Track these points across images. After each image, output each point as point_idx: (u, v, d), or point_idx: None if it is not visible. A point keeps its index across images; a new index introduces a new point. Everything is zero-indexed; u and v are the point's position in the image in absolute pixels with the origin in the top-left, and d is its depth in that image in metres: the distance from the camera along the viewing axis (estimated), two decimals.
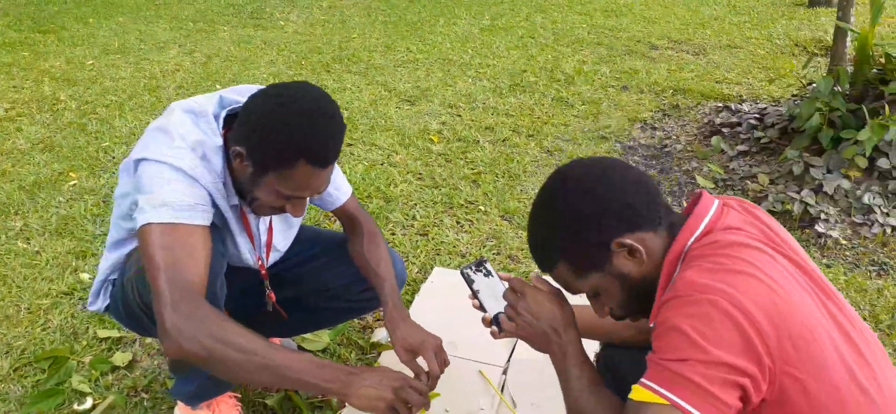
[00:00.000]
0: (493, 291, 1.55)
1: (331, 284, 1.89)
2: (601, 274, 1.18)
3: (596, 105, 4.25)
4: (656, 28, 6.20)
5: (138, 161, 1.46)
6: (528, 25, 6.39)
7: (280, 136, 1.40)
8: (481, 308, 1.56)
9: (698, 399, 1.00)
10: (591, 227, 1.15)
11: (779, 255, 1.14)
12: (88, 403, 1.97)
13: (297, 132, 1.40)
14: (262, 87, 1.54)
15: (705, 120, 3.94)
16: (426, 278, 2.50)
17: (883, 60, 3.11)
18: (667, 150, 3.63)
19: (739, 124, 3.65)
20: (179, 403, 1.84)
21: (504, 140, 3.76)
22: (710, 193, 1.26)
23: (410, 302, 2.37)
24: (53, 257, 2.69)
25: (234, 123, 1.51)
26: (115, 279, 1.75)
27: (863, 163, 2.87)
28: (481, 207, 3.04)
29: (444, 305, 2.31)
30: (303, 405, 1.94)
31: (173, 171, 1.42)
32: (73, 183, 3.31)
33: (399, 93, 4.54)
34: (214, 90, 1.60)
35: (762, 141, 3.39)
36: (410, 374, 1.61)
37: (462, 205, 3.06)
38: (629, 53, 5.39)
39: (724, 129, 3.66)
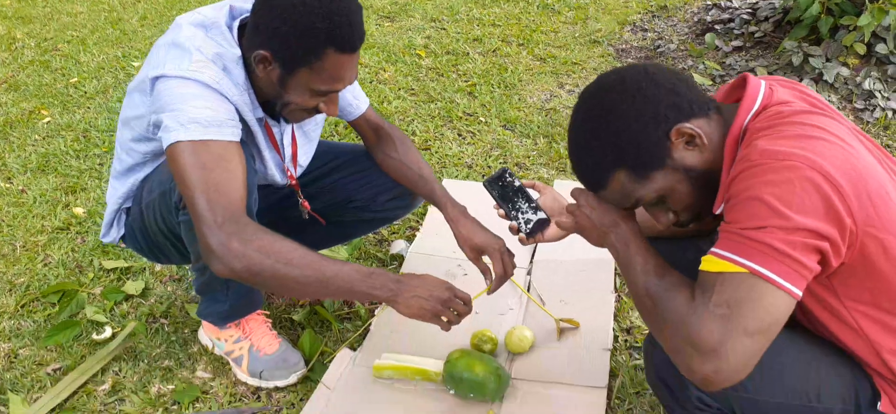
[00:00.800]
0: (519, 199, 1.52)
1: (356, 196, 1.84)
2: (664, 172, 1.12)
3: (583, 10, 4.17)
4: None
5: (156, 79, 1.38)
6: None
7: (303, 28, 1.33)
8: (507, 216, 1.53)
9: (779, 265, 0.97)
10: (647, 123, 1.09)
11: (838, 119, 1.11)
12: (107, 332, 1.91)
13: (320, 20, 1.33)
14: None
15: (696, 19, 3.90)
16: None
17: None
18: (660, 50, 3.59)
19: (731, 20, 3.61)
20: (205, 323, 1.80)
21: (494, 51, 3.67)
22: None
23: (424, 214, 2.33)
24: (40, 194, 2.57)
25: (247, 30, 1.43)
26: (129, 207, 1.68)
27: (861, 50, 2.86)
28: (481, 119, 2.98)
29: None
30: (331, 318, 1.91)
31: (197, 86, 1.35)
32: (46, 120, 3.16)
33: (376, 9, 4.39)
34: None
35: (756, 35, 3.36)
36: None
37: (461, 117, 3.00)
38: None
39: (717, 27, 3.62)
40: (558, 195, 1.57)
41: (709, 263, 1.03)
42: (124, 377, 1.78)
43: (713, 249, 1.04)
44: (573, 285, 1.99)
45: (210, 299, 1.70)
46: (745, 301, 0.97)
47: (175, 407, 1.69)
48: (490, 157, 2.70)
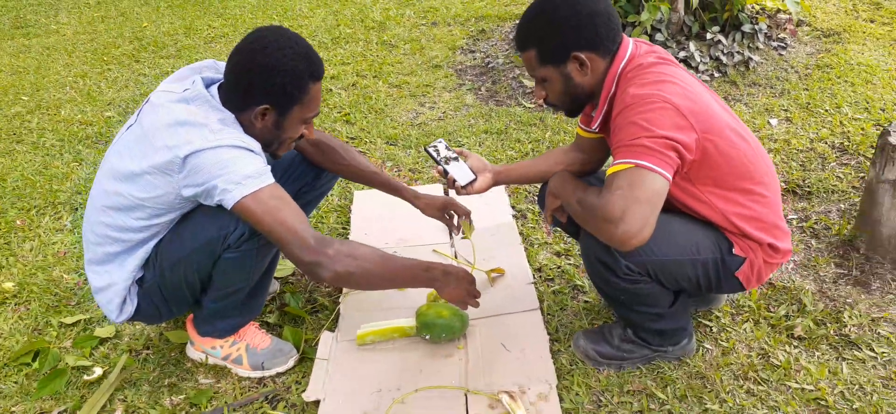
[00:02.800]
0: (453, 160, 2.01)
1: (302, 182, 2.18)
2: (555, 70, 1.69)
3: (417, 42, 4.75)
4: None
5: (187, 156, 1.58)
6: None
7: (294, 74, 1.66)
8: (445, 174, 2.00)
9: (651, 157, 1.52)
10: (564, 34, 1.64)
11: (677, 66, 1.72)
12: (98, 371, 2.07)
13: (302, 62, 1.67)
14: (212, 63, 1.79)
15: (511, 36, 4.64)
16: (351, 204, 2.84)
17: None
18: (491, 66, 4.25)
19: None
20: (199, 339, 2.04)
21: (353, 84, 4.12)
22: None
23: (348, 224, 2.71)
24: None
25: (233, 96, 1.67)
26: (140, 278, 1.86)
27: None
28: (366, 140, 3.41)
29: (379, 215, 2.70)
30: (303, 313, 2.24)
31: (232, 150, 1.60)
32: None
33: None
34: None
35: None
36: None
37: (348, 141, 3.41)
38: None
39: None
40: (481, 158, 2.07)
41: (610, 170, 1.58)
42: (133, 402, 1.98)
43: (612, 163, 1.59)
44: (489, 245, 2.49)
45: (220, 319, 1.96)
46: (635, 182, 1.50)
47: (194, 409, 1.93)
48: (385, 168, 3.14)
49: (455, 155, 2.03)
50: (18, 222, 2.94)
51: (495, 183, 2.06)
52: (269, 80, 1.65)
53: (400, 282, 1.77)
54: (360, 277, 1.66)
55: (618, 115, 1.62)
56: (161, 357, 2.13)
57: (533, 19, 1.68)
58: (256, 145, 1.67)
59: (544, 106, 1.88)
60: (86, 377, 2.06)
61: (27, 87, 4.61)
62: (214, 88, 1.72)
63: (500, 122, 3.48)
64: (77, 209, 3.01)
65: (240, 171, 1.59)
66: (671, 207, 1.68)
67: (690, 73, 1.75)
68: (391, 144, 3.36)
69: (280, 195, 1.63)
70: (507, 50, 4.46)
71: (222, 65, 1.79)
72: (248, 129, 1.71)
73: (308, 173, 2.17)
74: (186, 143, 1.59)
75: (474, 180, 2.00)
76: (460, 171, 2.00)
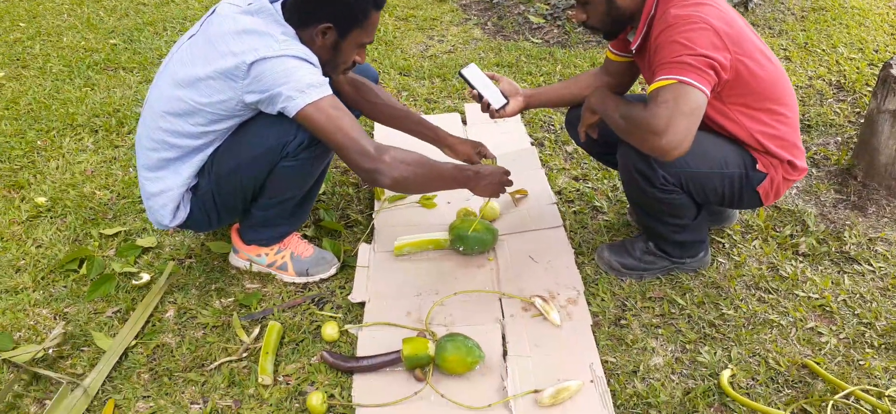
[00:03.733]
0: (487, 84, 2.10)
1: None
2: None
3: None
4: None
5: (252, 63, 1.66)
6: None
7: (358, 1, 1.75)
8: (479, 98, 2.10)
9: (693, 74, 1.64)
10: None
11: None
12: (145, 277, 2.17)
13: None
14: None
15: None
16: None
17: None
18: (495, 1, 4.31)
19: None
20: (244, 247, 2.14)
21: None
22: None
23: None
24: None
25: (298, 12, 1.75)
26: (195, 185, 1.94)
27: None
28: (379, 71, 3.48)
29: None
30: (340, 227, 2.35)
31: (296, 60, 1.68)
32: None
33: None
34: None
35: None
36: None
37: None
38: None
39: None
40: (512, 82, 2.17)
41: (653, 85, 1.69)
42: (183, 304, 2.08)
43: (655, 79, 1.70)
44: (512, 170, 2.57)
45: (267, 228, 2.06)
46: (679, 96, 1.63)
47: (243, 310, 2.05)
48: (401, 98, 3.22)
49: (488, 79, 2.13)
50: (40, 143, 2.98)
51: (527, 106, 2.17)
52: (329, 4, 1.73)
53: (444, 183, 1.89)
54: (412, 181, 1.77)
55: (660, 34, 1.72)
56: (205, 265, 2.23)
57: None
58: (315, 59, 1.75)
59: (581, 28, 1.98)
60: (134, 282, 2.16)
61: (23, 13, 4.56)
62: (278, 4, 1.79)
63: (510, 55, 3.57)
64: (97, 131, 3.06)
65: (303, 79, 1.68)
66: (702, 124, 1.81)
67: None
68: (405, 75, 3.43)
69: (339, 105, 1.72)
70: None
71: None
72: (307, 47, 1.78)
73: None
74: (252, 51, 1.67)
75: (507, 104, 2.10)
76: (494, 95, 2.10)
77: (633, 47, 1.87)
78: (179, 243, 2.34)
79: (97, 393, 1.81)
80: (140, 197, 2.58)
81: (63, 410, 1.76)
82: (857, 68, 3.28)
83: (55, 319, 2.06)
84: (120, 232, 2.40)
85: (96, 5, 4.61)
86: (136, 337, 1.97)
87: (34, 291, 2.16)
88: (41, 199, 2.59)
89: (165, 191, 1.93)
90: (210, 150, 1.89)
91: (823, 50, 3.50)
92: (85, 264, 2.24)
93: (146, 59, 3.73)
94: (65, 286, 2.17)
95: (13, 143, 2.98)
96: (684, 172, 1.82)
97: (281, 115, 1.74)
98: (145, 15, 4.38)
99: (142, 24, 4.22)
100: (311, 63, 1.73)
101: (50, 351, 1.92)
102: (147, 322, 2.02)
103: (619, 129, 1.79)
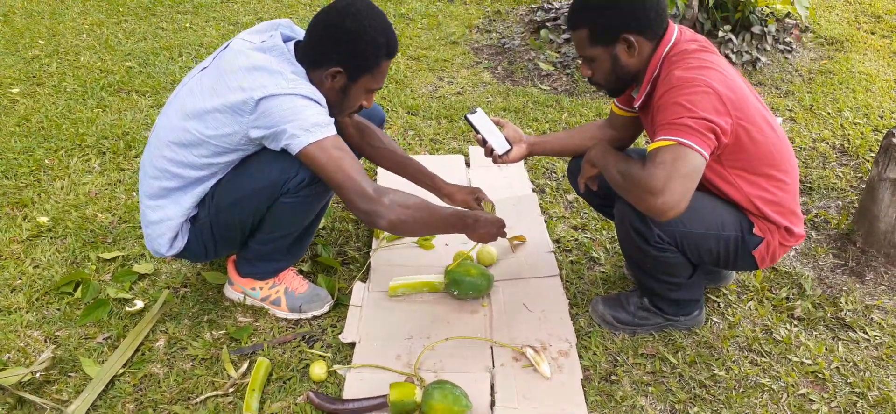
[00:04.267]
0: (491, 130, 2.12)
1: None
2: (604, 50, 1.80)
3: (434, 18, 4.84)
4: None
5: (260, 99, 1.69)
6: None
7: (372, 45, 1.78)
8: (484, 143, 2.12)
9: (693, 137, 1.65)
10: (617, 16, 1.76)
11: (717, 55, 1.85)
12: (139, 304, 2.18)
13: (381, 36, 1.79)
14: (288, 22, 1.88)
15: (527, 19, 4.75)
16: None
17: None
18: (506, 46, 4.36)
19: (557, 18, 4.50)
20: (238, 279, 2.15)
21: None
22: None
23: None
24: None
25: (311, 54, 1.79)
26: (194, 215, 1.96)
27: None
28: (388, 109, 3.51)
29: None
30: (336, 263, 2.36)
31: (303, 99, 1.71)
32: None
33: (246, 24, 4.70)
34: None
35: None
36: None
37: None
38: None
39: (548, 24, 4.48)
40: (517, 129, 2.19)
41: (653, 145, 1.70)
42: (174, 334, 2.09)
43: (655, 139, 1.70)
44: (511, 215, 2.61)
45: (263, 262, 2.07)
46: (678, 157, 1.63)
47: (234, 343, 2.05)
48: (407, 137, 3.25)
49: (493, 124, 2.14)
50: (47, 162, 3.02)
51: (530, 153, 2.18)
52: (350, 45, 1.76)
53: (442, 228, 1.90)
54: (411, 224, 1.78)
55: (663, 95, 1.73)
56: (199, 295, 2.24)
57: (595, 3, 1.79)
58: (323, 99, 1.78)
59: (589, 82, 2.02)
60: (127, 309, 2.17)
61: (43, 31, 4.64)
62: (291, 44, 1.82)
63: (517, 100, 3.60)
64: (105, 153, 3.10)
65: (309, 119, 1.70)
66: (700, 186, 1.81)
67: (726, 61, 1.88)
68: (412, 114, 3.47)
69: (342, 146, 1.74)
70: (523, 32, 4.57)
71: (297, 28, 1.90)
72: (317, 88, 1.80)
73: None
74: (261, 87, 1.70)
75: (510, 150, 2.12)
76: (498, 141, 2.11)
77: (637, 104, 1.89)
78: (176, 271, 2.35)
79: None
80: (140, 223, 2.60)
81: None
82: (862, 133, 3.29)
83: (46, 342, 2.07)
84: (118, 257, 2.42)
85: (116, 27, 4.69)
86: (125, 365, 1.97)
87: (27, 313, 2.17)
88: (43, 219, 2.62)
89: (164, 220, 1.95)
90: (212, 182, 1.91)
91: (829, 113, 3.51)
92: (80, 288, 2.25)
93: (159, 84, 3.78)
94: (58, 309, 2.18)
95: (21, 160, 3.01)
96: (680, 232, 1.82)
97: (284, 151, 1.75)
98: (163, 39, 4.45)
99: (158, 49, 4.29)
100: (317, 103, 1.76)
101: (37, 375, 1.92)
102: (137, 350, 2.02)
103: (616, 185, 1.79)
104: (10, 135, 3.24)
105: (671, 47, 1.80)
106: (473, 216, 1.96)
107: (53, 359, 1.97)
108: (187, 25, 4.73)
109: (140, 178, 1.99)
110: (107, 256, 2.42)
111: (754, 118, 1.76)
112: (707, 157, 1.66)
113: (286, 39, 1.87)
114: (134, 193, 2.79)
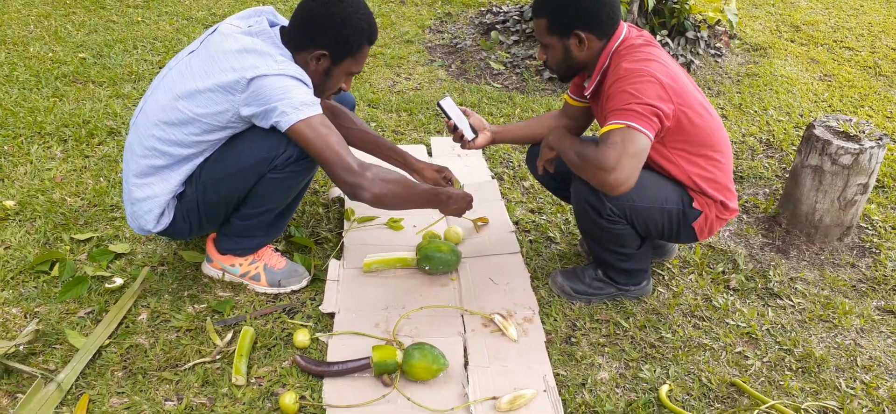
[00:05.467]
0: (460, 117, 2.29)
1: None
2: (558, 40, 2.00)
3: (387, 18, 4.99)
4: None
5: (252, 79, 1.80)
6: None
7: (355, 30, 1.92)
8: (454, 129, 2.28)
9: (640, 119, 1.85)
10: (572, 12, 1.95)
11: (660, 48, 2.07)
12: (119, 281, 2.24)
13: (364, 23, 1.93)
14: (271, 9, 2.01)
15: (477, 21, 4.94)
16: None
17: None
18: (459, 46, 4.55)
19: (506, 21, 4.71)
20: (218, 256, 2.24)
21: None
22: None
23: None
24: None
25: (296, 38, 1.91)
26: (181, 193, 2.05)
27: None
28: None
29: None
30: (310, 243, 2.47)
31: (292, 79, 1.84)
32: None
33: (199, 21, 4.74)
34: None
35: (528, 31, 4.49)
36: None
37: None
38: None
39: (497, 26, 4.69)
40: (481, 118, 2.36)
41: (603, 129, 1.90)
42: (156, 308, 2.16)
43: (606, 123, 1.91)
44: (474, 199, 2.77)
45: (244, 238, 2.16)
46: (627, 139, 1.84)
47: (216, 316, 2.14)
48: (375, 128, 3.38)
49: (461, 112, 2.31)
50: (6, 148, 3.01)
51: (494, 141, 2.36)
52: (334, 30, 1.89)
53: (418, 203, 2.05)
54: (391, 197, 1.92)
55: (611, 84, 1.94)
56: (177, 273, 2.32)
57: None
58: (310, 80, 1.90)
59: (544, 67, 2.21)
60: (107, 285, 2.22)
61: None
62: (276, 29, 1.94)
63: (472, 96, 3.78)
64: (66, 141, 3.11)
65: (297, 98, 1.82)
66: (646, 166, 2.02)
67: (668, 54, 2.11)
68: (373, 107, 3.60)
69: (328, 124, 1.87)
70: (473, 34, 4.77)
71: (279, 16, 2.02)
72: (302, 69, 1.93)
73: None
74: (253, 68, 1.81)
75: (476, 137, 2.29)
76: (465, 128, 2.28)
77: (588, 93, 2.09)
78: (152, 251, 2.42)
79: (71, 388, 1.86)
80: (111, 206, 2.65)
81: (36, 403, 1.81)
82: (785, 129, 3.61)
83: (26, 317, 2.11)
84: (92, 237, 2.46)
85: (64, 19, 4.64)
86: (110, 337, 2.04)
87: (3, 291, 2.20)
88: (9, 203, 2.63)
89: (152, 197, 2.02)
90: (199, 160, 2.00)
91: (755, 111, 3.83)
92: (56, 266, 2.29)
93: (116, 75, 3.79)
94: (35, 286, 2.22)
95: None
96: (629, 206, 2.03)
97: (272, 129, 1.87)
98: (115, 32, 4.44)
99: (112, 41, 4.28)
100: (305, 83, 1.88)
101: (21, 347, 1.97)
102: (120, 324, 2.09)
103: (573, 165, 1.98)
104: None
105: (621, 43, 2.01)
106: (447, 193, 2.12)
107: (37, 332, 2.01)
108: (140, 19, 4.72)
109: (126, 159, 2.06)
110: (80, 237, 2.46)
111: (693, 104, 1.98)
112: (652, 138, 1.87)
113: (271, 25, 1.98)
114: (101, 179, 2.83)
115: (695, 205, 2.09)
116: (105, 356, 1.97)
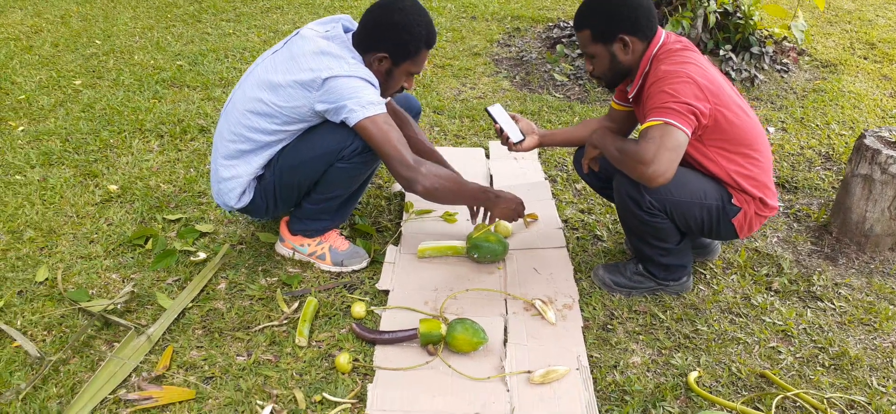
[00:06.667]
0: (508, 121, 2.46)
1: None
2: (603, 47, 2.15)
3: (458, 32, 5.23)
4: None
5: (326, 79, 2.05)
6: None
7: (414, 35, 2.14)
8: (500, 132, 2.46)
9: (677, 117, 1.98)
10: (615, 19, 2.10)
11: (698, 53, 2.19)
12: (202, 255, 2.53)
13: (422, 28, 2.16)
14: (347, 17, 2.25)
15: (544, 35, 5.12)
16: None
17: None
18: (524, 59, 4.73)
19: (572, 35, 4.86)
20: (290, 237, 2.49)
21: None
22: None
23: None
24: (64, 181, 3.03)
25: (362, 41, 2.14)
26: (261, 175, 2.30)
27: None
28: None
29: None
30: (371, 230, 2.70)
31: (362, 80, 2.08)
32: (21, 129, 3.53)
33: (283, 33, 5.11)
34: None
35: None
36: None
37: None
38: None
39: (563, 39, 4.85)
40: (530, 122, 2.53)
41: (643, 126, 2.04)
42: (234, 279, 2.43)
43: (646, 121, 2.04)
44: (525, 198, 2.92)
45: (313, 221, 2.41)
46: (665, 134, 1.97)
47: (285, 288, 2.39)
48: (433, 132, 3.61)
49: (509, 117, 2.49)
50: (112, 141, 3.40)
51: (541, 144, 2.52)
52: (396, 34, 2.12)
53: (468, 199, 2.25)
54: (442, 192, 2.14)
55: (651, 85, 2.08)
56: (254, 251, 2.59)
57: (591, 4, 2.14)
58: (377, 82, 2.14)
59: (590, 78, 2.34)
60: (192, 258, 2.52)
61: (98, 33, 5.07)
62: (349, 35, 2.19)
63: (534, 105, 3.95)
64: (163, 136, 3.47)
65: (365, 97, 2.06)
66: (685, 163, 2.15)
67: (706, 58, 2.23)
68: (438, 114, 3.83)
69: (391, 122, 2.11)
70: (540, 47, 4.94)
71: (354, 23, 2.26)
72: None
73: None
74: (327, 68, 2.06)
75: (523, 140, 2.46)
76: (513, 132, 2.46)
77: (631, 96, 2.23)
78: (232, 232, 2.71)
79: (158, 340, 2.14)
80: (198, 192, 2.96)
81: (130, 350, 2.09)
82: (846, 143, 3.61)
83: (123, 282, 2.41)
84: (181, 218, 2.77)
85: (165, 32, 5.11)
86: (193, 301, 2.31)
87: (106, 259, 2.52)
88: (113, 187, 2.99)
89: (236, 177, 2.30)
90: (279, 147, 2.26)
91: (817, 125, 3.83)
92: (150, 241, 2.61)
93: (208, 81, 4.17)
94: (132, 257, 2.54)
95: (89, 139, 3.40)
96: (669, 200, 2.15)
97: (342, 124, 2.11)
98: (209, 43, 4.86)
99: (206, 51, 4.69)
100: (373, 85, 2.12)
101: (118, 306, 2.27)
102: (202, 291, 2.37)
103: (614, 159, 2.13)
104: (76, 119, 3.63)
105: (659, 47, 2.15)
106: (496, 192, 2.30)
107: (132, 293, 2.32)
108: (231, 32, 5.14)
109: (215, 143, 2.35)
110: (171, 217, 2.78)
111: (729, 104, 2.09)
112: (689, 134, 1.99)
113: (346, 31, 2.23)
114: (191, 169, 3.16)
115: (734, 201, 2.19)
116: (188, 317, 2.25)
